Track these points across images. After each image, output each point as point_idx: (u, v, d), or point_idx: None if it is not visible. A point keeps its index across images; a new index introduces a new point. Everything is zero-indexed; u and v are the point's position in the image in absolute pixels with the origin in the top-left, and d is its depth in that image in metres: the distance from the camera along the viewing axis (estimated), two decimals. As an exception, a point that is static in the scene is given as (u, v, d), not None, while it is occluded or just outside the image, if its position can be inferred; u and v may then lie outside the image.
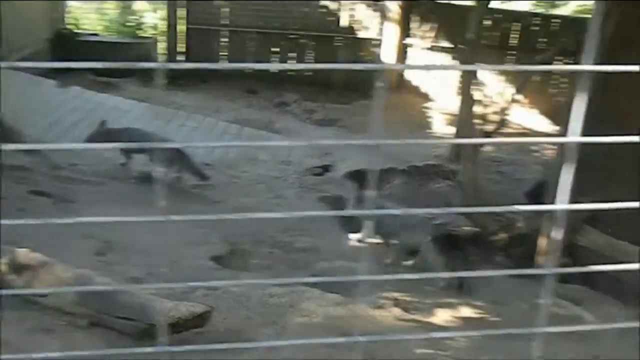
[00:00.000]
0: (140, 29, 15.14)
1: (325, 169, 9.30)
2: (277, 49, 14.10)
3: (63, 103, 10.20)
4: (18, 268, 5.24)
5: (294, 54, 14.09)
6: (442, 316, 5.72)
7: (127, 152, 8.40)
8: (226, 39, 14.18)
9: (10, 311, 4.95)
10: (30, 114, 9.53)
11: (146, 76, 13.05)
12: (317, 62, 13.92)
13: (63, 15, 14.13)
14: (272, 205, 8.32)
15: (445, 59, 13.69)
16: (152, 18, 15.46)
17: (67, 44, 13.38)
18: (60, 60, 13.33)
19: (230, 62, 14.22)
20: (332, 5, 13.99)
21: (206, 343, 4.88)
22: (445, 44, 13.74)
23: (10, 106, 9.02)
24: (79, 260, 5.68)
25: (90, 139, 8.35)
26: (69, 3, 14.86)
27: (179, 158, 8.24)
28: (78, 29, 14.48)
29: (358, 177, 9.40)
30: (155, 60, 14.01)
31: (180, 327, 4.75)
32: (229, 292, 5.84)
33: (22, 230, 6.46)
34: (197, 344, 4.87)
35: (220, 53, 14.22)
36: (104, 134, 8.40)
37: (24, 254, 5.22)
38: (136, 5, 17.49)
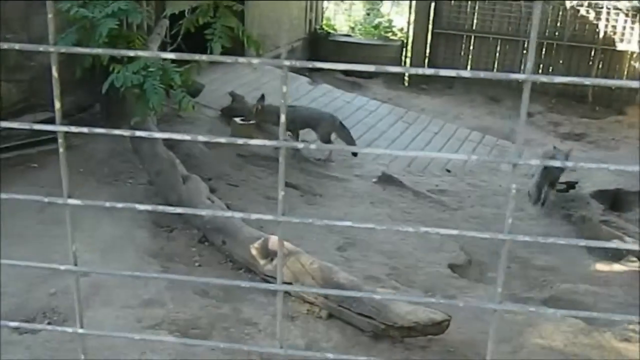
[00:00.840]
0: (390, 31, 15.39)
1: (571, 185, 8.83)
2: (524, 57, 13.65)
3: (314, 100, 10.63)
4: (268, 254, 5.54)
5: (543, 64, 13.56)
6: (698, 360, 5.19)
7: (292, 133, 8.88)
8: (471, 45, 13.98)
9: (260, 295, 5.25)
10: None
11: (391, 78, 13.26)
12: (568, 73, 13.28)
13: (318, 16, 14.74)
14: (511, 219, 8.06)
15: None
16: (401, 21, 15.65)
17: (320, 43, 13.95)
18: (314, 56, 13.95)
19: (473, 68, 14.00)
20: (591, 15, 13.26)
21: (440, 351, 4.84)
22: None
23: (270, 99, 9.59)
24: (321, 253, 5.89)
25: (252, 115, 8.96)
26: (325, 4, 15.47)
27: (339, 128, 8.96)
28: (332, 29, 15.04)
29: (605, 197, 8.84)
30: (401, 62, 14.17)
31: (417, 332, 4.74)
32: (465, 301, 5.74)
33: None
34: (432, 350, 4.83)
35: (466, 59, 14.06)
36: (264, 109, 8.86)
37: (274, 241, 5.50)
38: (384, 8, 17.84)
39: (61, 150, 0.92)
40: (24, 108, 7.39)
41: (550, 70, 13.50)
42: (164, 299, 4.92)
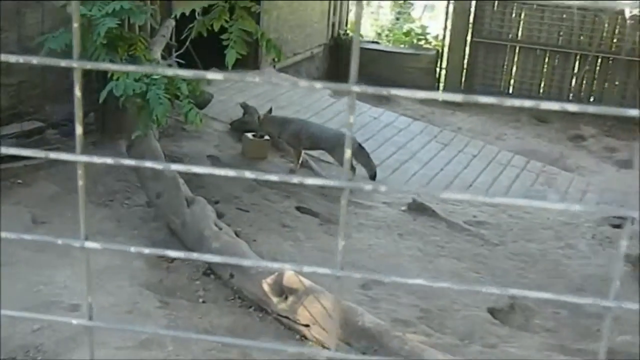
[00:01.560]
0: (423, 38, 15.38)
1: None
2: (577, 72, 13.57)
3: (336, 115, 10.60)
4: (282, 291, 5.48)
5: (597, 81, 13.48)
6: None
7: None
8: (515, 56, 13.92)
9: (271, 338, 5.19)
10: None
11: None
12: (625, 92, 13.20)
13: (342, 19, 14.76)
14: (559, 256, 7.97)
15: None
16: (435, 27, 15.64)
17: (344, 50, 13.96)
18: (335, 65, 13.95)
19: (517, 82, 13.95)
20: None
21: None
22: None
23: (287, 112, 9.57)
24: (343, 291, 5.82)
25: (257, 124, 8.93)
26: (351, 8, 15.49)
27: (358, 150, 8.66)
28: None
29: (668, 234, 8.72)
30: (435, 74, 14.15)
31: (453, 387, 4.67)
32: (507, 352, 5.66)
33: (286, 248, 6.79)
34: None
35: (509, 72, 14.00)
36: (268, 119, 8.85)
37: (290, 277, 5.44)
38: (415, 12, 17.83)
39: (80, 183, 0.88)
40: (11, 116, 7.41)
41: (605, 87, 13.41)
42: (164, 339, 4.87)
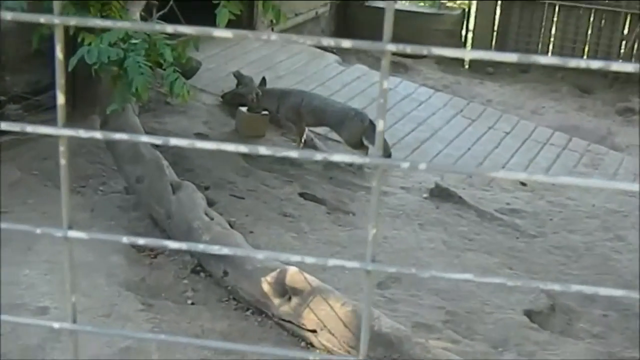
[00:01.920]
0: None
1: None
2: (626, 35, 13.51)
3: (344, 85, 10.58)
4: (285, 291, 5.49)
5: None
6: None
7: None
8: (555, 16, 13.85)
9: (271, 342, 5.20)
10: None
11: (447, 58, 13.19)
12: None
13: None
14: (607, 250, 7.97)
15: None
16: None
17: (354, 9, 13.93)
18: (343, 27, 13.91)
19: (556, 46, 13.90)
20: None
21: None
22: None
23: (290, 82, 9.53)
24: (356, 290, 5.83)
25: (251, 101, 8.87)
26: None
27: (369, 128, 8.54)
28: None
29: None
30: (461, 37, 14.12)
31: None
32: (547, 361, 5.67)
33: (288, 240, 6.80)
34: None
35: (548, 34, 13.94)
36: (264, 92, 8.86)
37: (294, 275, 5.45)
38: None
39: (63, 162, 0.86)
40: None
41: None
42: (148, 347, 4.89)
